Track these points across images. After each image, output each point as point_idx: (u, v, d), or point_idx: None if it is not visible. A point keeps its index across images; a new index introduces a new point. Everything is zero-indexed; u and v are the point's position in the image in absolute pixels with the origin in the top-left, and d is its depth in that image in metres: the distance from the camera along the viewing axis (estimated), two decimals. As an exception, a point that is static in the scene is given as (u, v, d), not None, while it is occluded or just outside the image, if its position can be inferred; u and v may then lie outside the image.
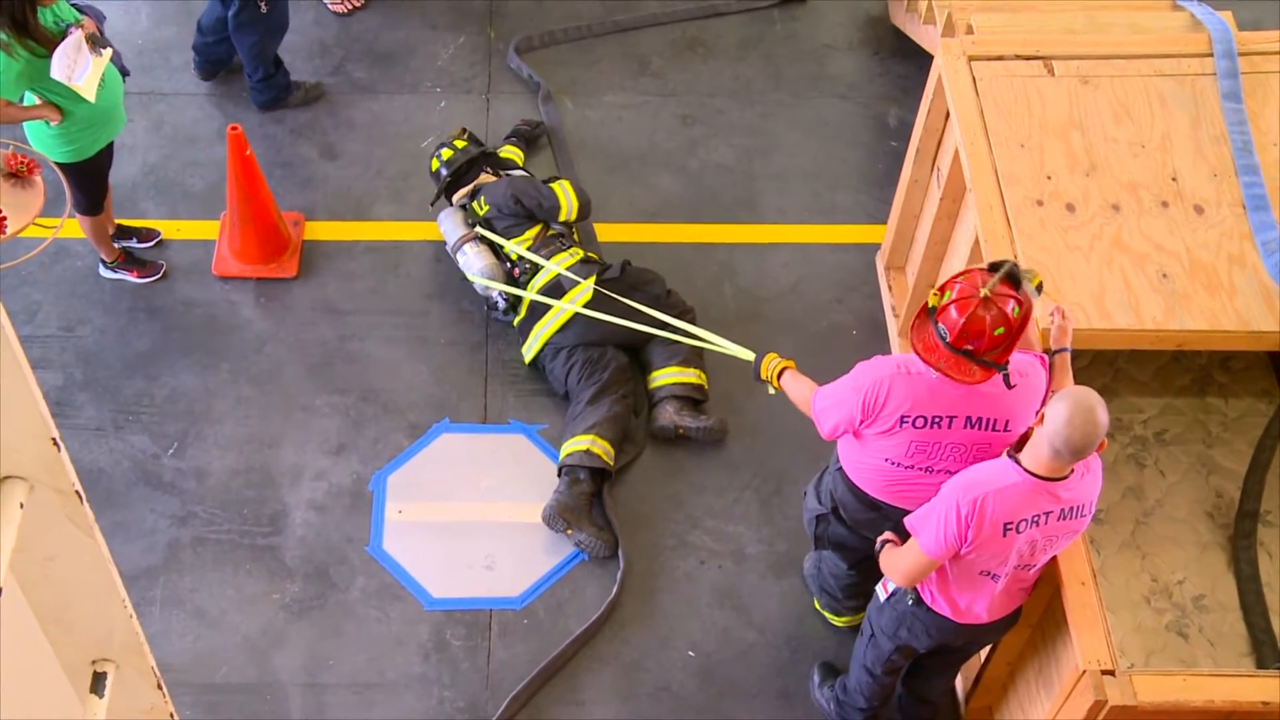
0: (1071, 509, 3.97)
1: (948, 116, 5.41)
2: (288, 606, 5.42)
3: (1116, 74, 5.32)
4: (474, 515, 5.70)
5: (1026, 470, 3.90)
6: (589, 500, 5.63)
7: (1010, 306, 3.96)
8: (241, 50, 6.76)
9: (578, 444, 5.65)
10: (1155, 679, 4.02)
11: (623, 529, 5.62)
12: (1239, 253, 4.84)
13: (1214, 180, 5.03)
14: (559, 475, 5.69)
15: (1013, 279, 3.99)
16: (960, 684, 5.14)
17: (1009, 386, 4.10)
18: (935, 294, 4.08)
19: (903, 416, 4.18)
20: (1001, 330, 3.96)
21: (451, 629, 5.39)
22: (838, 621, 5.36)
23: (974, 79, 5.28)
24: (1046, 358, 4.35)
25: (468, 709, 5.19)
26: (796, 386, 4.61)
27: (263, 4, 6.50)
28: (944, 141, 5.59)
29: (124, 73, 5.73)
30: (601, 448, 5.64)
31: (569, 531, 5.56)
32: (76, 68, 5.28)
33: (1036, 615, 4.47)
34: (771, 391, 4.76)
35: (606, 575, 5.54)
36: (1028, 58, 5.36)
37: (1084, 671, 4.02)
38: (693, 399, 5.95)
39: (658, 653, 5.37)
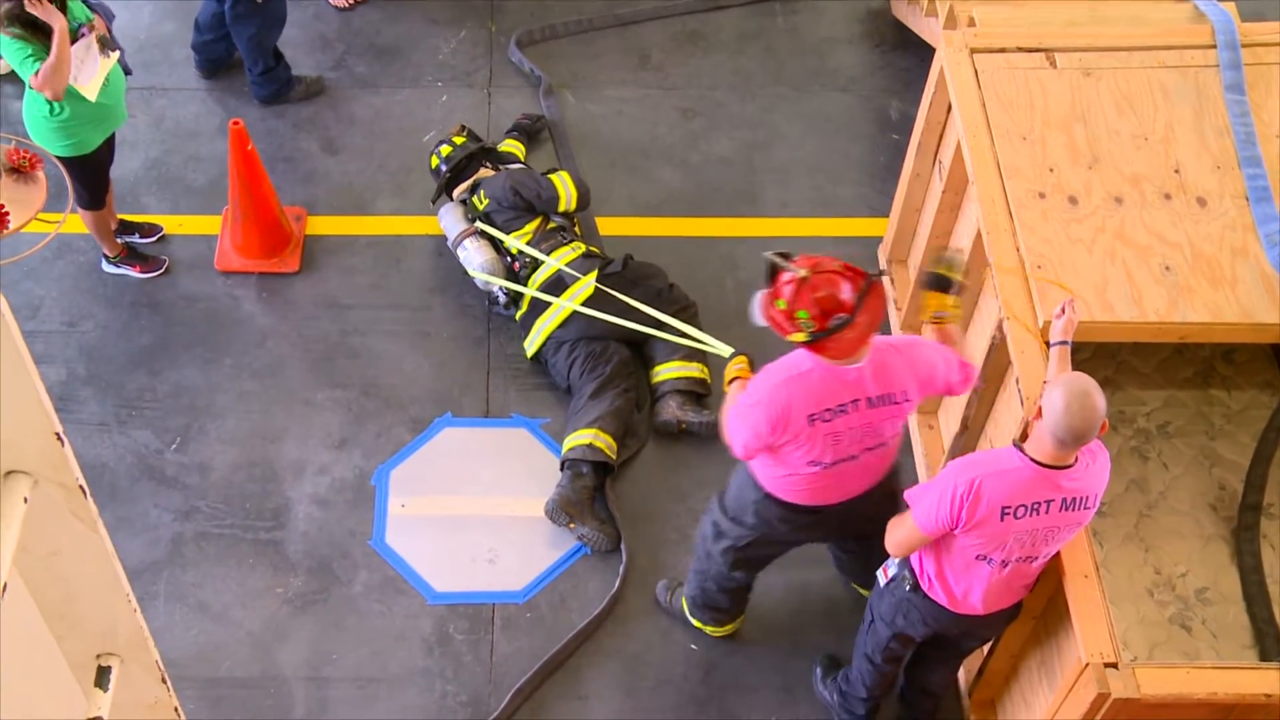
0: (1075, 500, 3.97)
1: (949, 109, 5.40)
2: (291, 601, 5.43)
3: (1119, 66, 5.31)
4: (476, 509, 5.70)
5: (1030, 458, 3.91)
6: (591, 494, 5.63)
7: (817, 263, 4.05)
8: (240, 43, 6.76)
9: (580, 438, 5.65)
10: (1158, 672, 4.01)
11: (625, 523, 5.62)
12: (1242, 245, 4.83)
13: (1217, 172, 5.03)
14: (561, 469, 5.69)
15: (784, 257, 4.08)
16: (963, 675, 5.15)
17: (878, 279, 4.10)
18: (795, 335, 4.07)
19: (810, 416, 4.19)
20: (844, 276, 4.03)
21: (454, 623, 5.40)
22: (720, 631, 5.34)
23: (976, 72, 5.27)
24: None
25: (470, 703, 5.19)
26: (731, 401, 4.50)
27: None
28: (946, 134, 5.58)
29: (126, 71, 5.74)
30: (604, 442, 5.64)
31: (571, 525, 5.56)
32: (83, 69, 5.36)
33: (1039, 608, 4.47)
34: None
35: (609, 569, 5.54)
36: (1030, 50, 5.35)
37: (1087, 664, 4.01)
38: (695, 393, 5.95)
39: (660, 646, 5.37)
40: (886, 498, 4.57)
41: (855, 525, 4.71)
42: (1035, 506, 3.95)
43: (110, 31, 5.53)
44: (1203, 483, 5.17)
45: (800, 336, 4.06)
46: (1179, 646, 4.74)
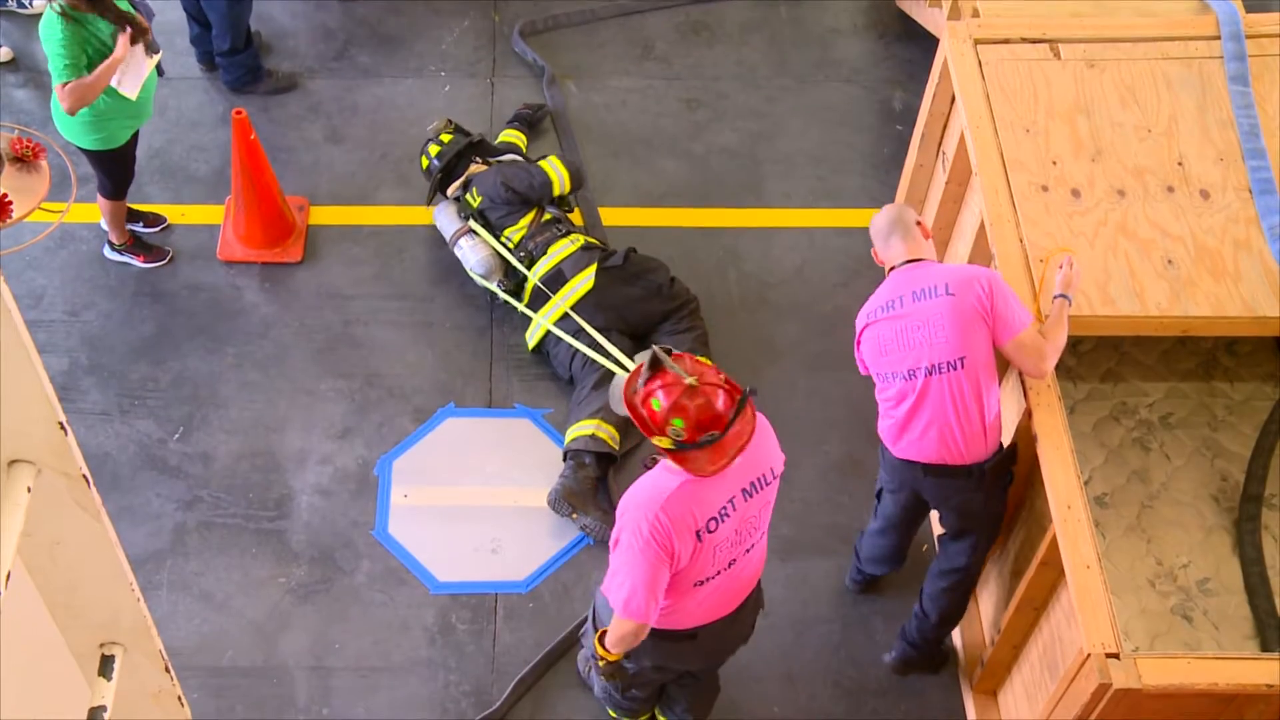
0: (924, 290, 4.42)
1: (953, 100, 5.40)
2: (293, 590, 5.44)
3: (1123, 57, 5.30)
4: (479, 499, 5.71)
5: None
6: (594, 484, 5.63)
7: (703, 373, 3.82)
8: (212, 15, 6.73)
9: (583, 428, 5.66)
10: (1160, 662, 4.02)
11: (628, 513, 5.62)
12: (1245, 238, 4.83)
13: (1220, 165, 5.02)
14: (564, 460, 5.69)
15: (666, 358, 3.84)
16: (964, 665, 5.16)
17: (752, 397, 3.88)
18: (660, 439, 3.78)
19: (697, 531, 3.89)
20: (724, 389, 3.81)
21: (457, 613, 5.40)
22: None
23: (980, 63, 5.26)
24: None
25: (473, 693, 5.20)
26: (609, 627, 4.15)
27: None
28: (949, 126, 5.58)
29: (160, 72, 5.82)
30: (607, 432, 5.64)
31: (574, 515, 5.56)
32: (129, 73, 5.46)
33: (1041, 598, 4.48)
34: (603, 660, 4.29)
35: (611, 559, 5.54)
36: (1034, 41, 5.34)
37: (1088, 655, 4.02)
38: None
39: (663, 636, 5.37)
40: (750, 624, 4.44)
41: (727, 648, 4.52)
42: (890, 304, 4.48)
43: (151, 32, 5.61)
44: (1205, 474, 5.17)
45: (665, 443, 3.77)
46: (1180, 637, 4.74)
